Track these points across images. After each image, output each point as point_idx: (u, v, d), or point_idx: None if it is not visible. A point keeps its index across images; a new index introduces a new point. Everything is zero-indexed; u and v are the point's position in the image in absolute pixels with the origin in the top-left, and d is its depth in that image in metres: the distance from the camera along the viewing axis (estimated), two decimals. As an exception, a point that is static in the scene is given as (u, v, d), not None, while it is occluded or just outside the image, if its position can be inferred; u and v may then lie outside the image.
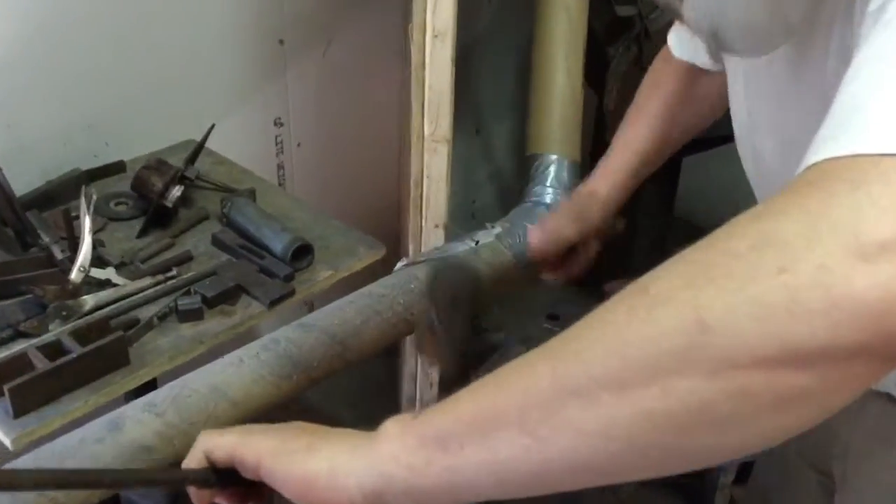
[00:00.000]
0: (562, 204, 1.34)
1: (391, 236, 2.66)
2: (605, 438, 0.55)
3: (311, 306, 2.51)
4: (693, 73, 1.25)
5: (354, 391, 2.49)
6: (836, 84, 0.74)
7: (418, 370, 1.74)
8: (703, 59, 1.20)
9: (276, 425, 0.77)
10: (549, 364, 0.59)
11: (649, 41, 2.00)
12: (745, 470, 1.81)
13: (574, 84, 1.52)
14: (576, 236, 1.27)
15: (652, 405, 0.53)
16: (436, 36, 1.31)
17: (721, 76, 1.10)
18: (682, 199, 2.61)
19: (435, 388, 1.76)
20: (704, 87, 1.26)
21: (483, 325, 2.84)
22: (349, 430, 0.73)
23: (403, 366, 1.85)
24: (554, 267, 1.32)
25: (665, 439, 0.54)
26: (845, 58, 0.71)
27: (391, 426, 0.67)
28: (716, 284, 0.51)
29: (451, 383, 1.10)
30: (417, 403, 1.79)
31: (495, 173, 3.34)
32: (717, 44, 0.85)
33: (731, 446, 0.54)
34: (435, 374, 1.74)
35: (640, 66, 2.00)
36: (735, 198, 3.07)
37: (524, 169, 1.56)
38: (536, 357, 0.61)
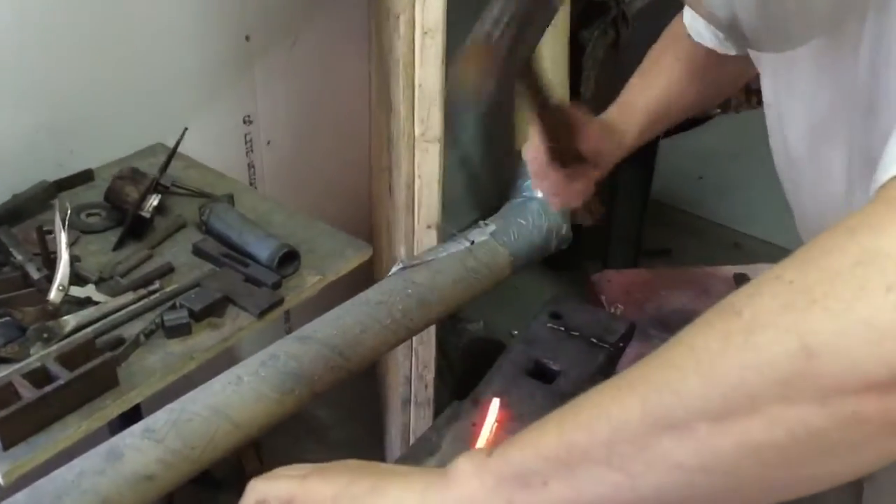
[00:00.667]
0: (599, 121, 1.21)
1: (364, 231, 2.63)
2: (703, 472, 0.53)
3: (287, 315, 2.47)
4: (703, 58, 1.18)
5: (333, 390, 2.46)
6: (872, 75, 0.71)
7: (412, 372, 1.71)
8: (721, 46, 1.15)
9: (330, 466, 0.73)
10: (637, 396, 0.56)
11: (626, 25, 1.98)
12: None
13: (559, 74, 1.49)
14: (604, 149, 1.19)
15: (756, 436, 0.50)
16: (425, 33, 1.27)
17: (740, 59, 1.07)
18: (657, 181, 2.61)
19: (430, 390, 1.73)
20: (722, 67, 1.19)
21: (459, 315, 2.83)
22: (412, 469, 0.69)
23: (395, 367, 1.81)
24: (556, 183, 1.22)
25: (769, 471, 0.51)
26: (881, 49, 0.69)
27: (465, 464, 0.64)
28: (820, 306, 0.48)
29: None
30: (412, 405, 1.76)
31: (465, 161, 3.31)
32: (736, 39, 0.82)
33: (838, 474, 0.51)
34: (429, 376, 1.71)
35: (616, 50, 1.97)
36: (708, 179, 3.10)
37: (514, 163, 1.52)
38: (620, 388, 0.58)
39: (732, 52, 1.12)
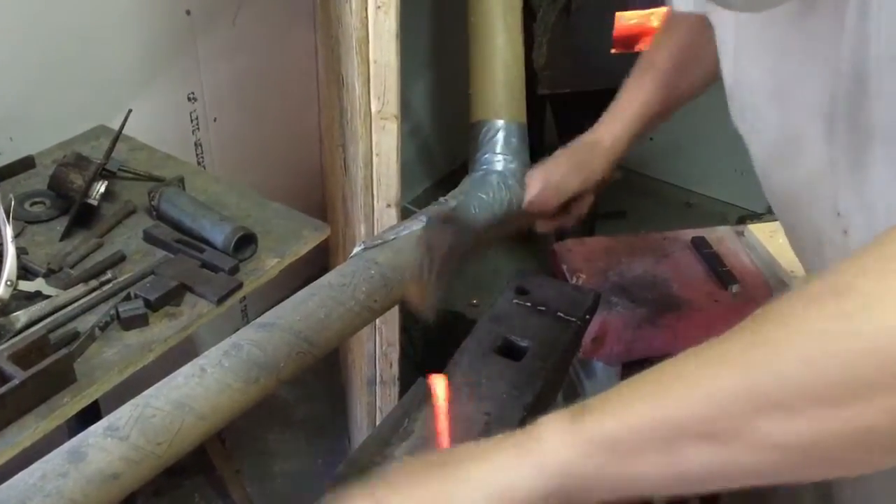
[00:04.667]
0: (562, 153, 1.27)
1: (317, 205, 2.59)
2: (803, 453, 0.52)
3: (242, 299, 2.43)
4: (701, 24, 1.15)
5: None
6: (856, 38, 0.70)
7: (377, 351, 1.69)
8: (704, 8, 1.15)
9: (394, 475, 0.68)
10: (736, 373, 0.54)
11: (577, -10, 1.96)
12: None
13: (514, 43, 1.47)
14: (578, 187, 1.24)
15: (866, 422, 0.49)
16: (378, 7, 1.23)
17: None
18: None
19: (395, 368, 1.72)
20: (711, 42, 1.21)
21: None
22: (482, 445, 0.66)
23: (359, 346, 1.79)
24: (550, 217, 1.28)
25: (870, 455, 0.51)
26: (869, 13, 0.68)
27: (551, 431, 0.62)
28: None
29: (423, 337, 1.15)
30: (377, 385, 1.75)
31: (415, 129, 3.29)
32: None
33: None
34: (394, 355, 1.69)
35: (568, 15, 1.95)
36: (658, 140, 3.11)
37: (469, 136, 1.50)
38: (711, 363, 0.57)
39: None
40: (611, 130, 1.25)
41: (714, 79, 1.21)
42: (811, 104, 0.79)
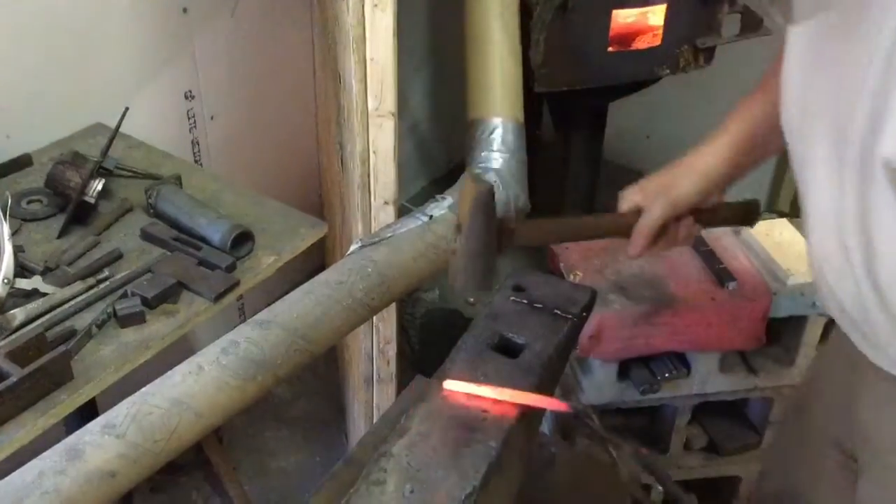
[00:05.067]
0: (657, 173, 1.21)
1: (314, 203, 2.59)
2: None
3: (240, 297, 2.43)
4: None
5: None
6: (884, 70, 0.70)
7: (374, 349, 1.70)
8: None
9: None
10: None
11: (574, -13, 1.96)
12: (698, 410, 1.85)
13: (512, 40, 1.47)
14: (666, 211, 1.17)
15: None
16: (375, 5, 1.23)
17: None
18: (606, 142, 2.62)
19: (392, 366, 1.72)
20: None
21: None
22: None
23: (356, 344, 1.79)
24: (644, 241, 1.20)
25: None
26: None
27: None
28: None
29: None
30: (375, 383, 1.75)
31: (412, 127, 3.28)
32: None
33: None
34: (391, 352, 1.69)
35: (564, 12, 1.95)
36: (656, 138, 3.10)
37: (466, 134, 1.50)
38: None
39: None
40: (706, 152, 1.18)
41: None
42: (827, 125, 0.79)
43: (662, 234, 1.18)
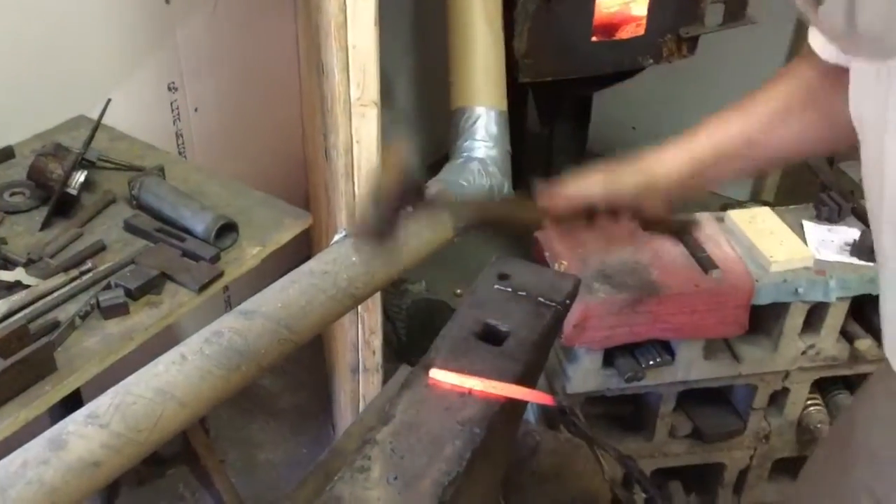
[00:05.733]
0: (606, 162, 1.11)
1: (300, 194, 2.58)
2: None
3: (226, 288, 2.43)
4: (824, 77, 1.05)
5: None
6: None
7: (359, 339, 1.70)
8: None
9: None
10: None
11: (558, -24, 1.96)
12: (683, 397, 1.86)
13: (494, 30, 1.47)
14: (597, 196, 1.07)
15: None
16: (356, -6, 1.23)
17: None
18: (592, 133, 2.63)
19: (378, 356, 1.72)
20: (827, 102, 1.05)
21: (401, 276, 2.82)
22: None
23: (341, 334, 1.79)
24: (559, 220, 1.11)
25: None
26: None
27: None
28: None
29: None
30: (360, 373, 1.75)
31: (398, 118, 3.28)
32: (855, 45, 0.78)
33: None
34: (377, 342, 1.69)
35: (548, 2, 1.95)
36: (642, 128, 3.12)
37: (450, 123, 1.50)
38: None
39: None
40: (663, 156, 1.10)
41: (813, 147, 1.13)
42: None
43: (590, 222, 1.10)
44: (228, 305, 2.56)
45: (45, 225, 1.53)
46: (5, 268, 1.39)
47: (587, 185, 1.08)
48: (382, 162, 0.99)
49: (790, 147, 1.11)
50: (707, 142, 1.09)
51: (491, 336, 1.17)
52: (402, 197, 1.03)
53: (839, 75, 0.98)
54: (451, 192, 1.12)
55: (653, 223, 1.11)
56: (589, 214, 1.08)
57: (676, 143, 1.11)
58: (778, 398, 1.93)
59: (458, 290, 2.68)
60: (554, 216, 1.09)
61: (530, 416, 1.93)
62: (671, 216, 1.13)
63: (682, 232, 1.15)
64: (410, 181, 1.02)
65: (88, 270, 1.42)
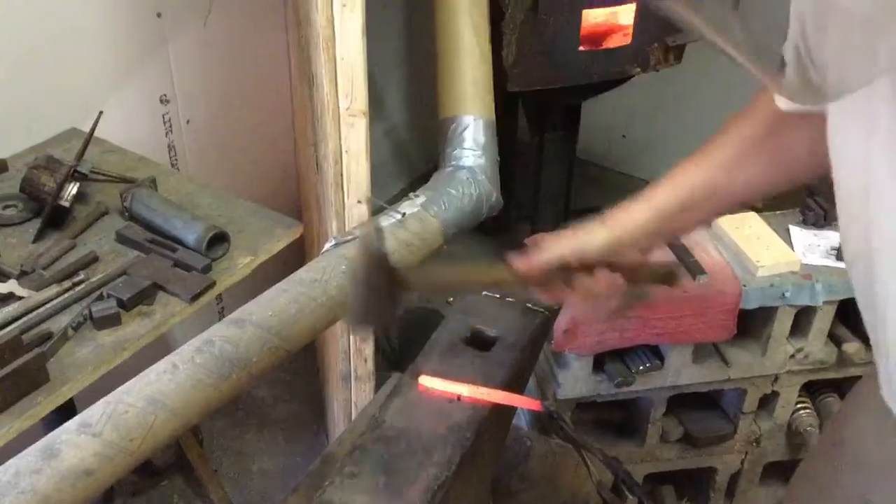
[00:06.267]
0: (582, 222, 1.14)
1: (293, 206, 2.59)
2: None
3: (219, 298, 2.44)
4: (779, 121, 1.05)
5: (273, 368, 2.45)
6: None
7: (351, 347, 1.71)
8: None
9: None
10: None
11: (543, -12, 1.98)
12: (674, 402, 1.88)
13: (481, 40, 1.49)
14: (567, 254, 1.09)
15: None
16: (344, 5, 1.25)
17: (809, 132, 0.98)
18: (581, 141, 2.65)
19: (370, 364, 1.73)
20: (788, 141, 1.06)
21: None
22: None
23: (333, 342, 1.81)
24: (540, 283, 1.12)
25: None
26: None
27: None
28: None
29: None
30: (352, 380, 1.76)
31: (390, 130, 3.30)
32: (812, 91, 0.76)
33: None
34: (368, 350, 1.71)
35: (536, 13, 1.98)
36: (631, 136, 3.12)
37: (439, 132, 1.52)
38: None
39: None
40: (630, 212, 1.12)
41: (777, 186, 1.13)
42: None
43: (567, 280, 1.10)
44: (222, 316, 2.57)
45: (38, 237, 1.54)
46: (-2, 280, 1.40)
47: (557, 246, 1.10)
48: (358, 251, 1.01)
49: (751, 189, 1.12)
50: (672, 194, 1.11)
51: (479, 341, 1.18)
52: (379, 283, 1.04)
53: (796, 119, 1.00)
54: (425, 272, 1.12)
55: (632, 271, 1.12)
56: (565, 273, 1.10)
57: (642, 197, 1.12)
58: (767, 402, 1.95)
59: (451, 299, 2.70)
60: (532, 280, 1.11)
61: (523, 421, 1.95)
62: (648, 262, 1.15)
63: (667, 281, 1.18)
64: (383, 268, 1.04)
65: (81, 281, 1.43)
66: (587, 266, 1.09)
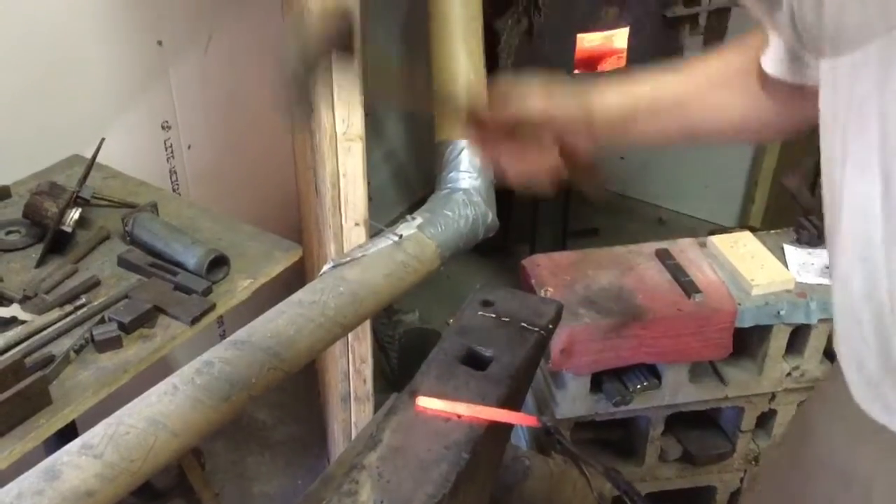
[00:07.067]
0: (550, 76, 1.08)
1: (294, 230, 2.62)
2: None
3: (220, 320, 2.45)
4: (760, 76, 1.03)
5: (274, 391, 2.46)
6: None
7: (350, 368, 1.73)
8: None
9: None
10: None
11: (538, 13, 2.01)
12: (672, 421, 1.89)
13: (476, 64, 1.51)
14: (535, 104, 1.04)
15: None
16: (340, 33, 1.28)
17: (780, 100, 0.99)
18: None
19: (368, 385, 1.74)
20: (765, 95, 1.04)
21: (395, 307, 2.85)
22: None
23: (332, 364, 1.82)
24: (497, 125, 1.07)
25: None
26: None
27: None
28: None
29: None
30: (352, 401, 1.78)
31: (389, 154, 3.33)
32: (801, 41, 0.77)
33: None
34: (367, 371, 1.72)
35: (531, 37, 2.01)
36: (630, 158, 3.15)
37: (435, 155, 1.55)
38: None
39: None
40: (604, 90, 1.09)
41: (741, 132, 1.12)
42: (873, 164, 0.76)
43: (513, 134, 1.06)
44: (223, 337, 2.58)
45: (41, 262, 1.56)
46: (1, 304, 1.42)
47: (526, 103, 1.06)
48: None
49: (716, 118, 1.10)
50: (647, 91, 1.09)
51: (475, 361, 1.20)
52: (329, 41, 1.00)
53: (780, 88, 1.00)
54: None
55: (572, 160, 1.09)
56: (516, 126, 1.05)
57: (618, 82, 1.10)
58: (765, 420, 1.96)
59: (450, 320, 2.71)
60: (483, 125, 1.07)
61: (522, 441, 1.95)
62: (591, 161, 1.12)
63: (595, 191, 1.14)
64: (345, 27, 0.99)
65: (83, 305, 1.45)
66: (541, 127, 1.05)
